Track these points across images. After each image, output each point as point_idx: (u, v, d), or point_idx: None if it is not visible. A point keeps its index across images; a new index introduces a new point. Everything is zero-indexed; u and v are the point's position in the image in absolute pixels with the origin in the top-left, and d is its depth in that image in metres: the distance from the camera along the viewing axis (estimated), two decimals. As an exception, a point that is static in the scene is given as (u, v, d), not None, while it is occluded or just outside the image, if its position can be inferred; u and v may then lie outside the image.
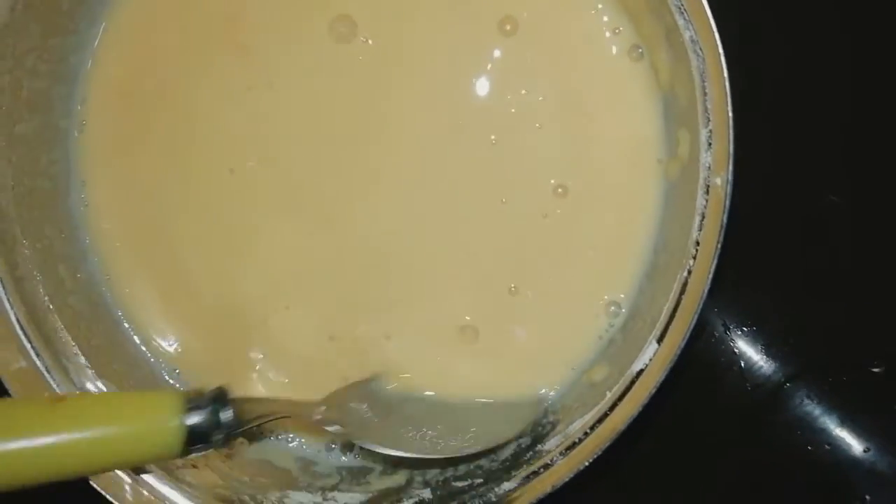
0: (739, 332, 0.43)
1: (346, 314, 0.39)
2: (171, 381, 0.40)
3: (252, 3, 0.39)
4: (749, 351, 0.42)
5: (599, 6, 0.37)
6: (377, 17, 0.38)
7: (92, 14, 0.39)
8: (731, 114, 0.31)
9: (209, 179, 0.39)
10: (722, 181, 0.32)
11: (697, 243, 0.33)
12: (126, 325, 0.40)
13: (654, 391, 0.33)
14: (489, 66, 0.38)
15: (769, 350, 0.42)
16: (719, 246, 0.32)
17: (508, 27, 0.38)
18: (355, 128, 0.38)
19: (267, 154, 0.39)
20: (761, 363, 0.42)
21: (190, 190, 0.39)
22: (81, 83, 0.40)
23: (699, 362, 0.42)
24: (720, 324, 0.43)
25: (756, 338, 0.43)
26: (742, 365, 0.42)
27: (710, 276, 0.32)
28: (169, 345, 0.40)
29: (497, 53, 0.38)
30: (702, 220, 0.33)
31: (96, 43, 0.40)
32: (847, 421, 0.41)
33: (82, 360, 0.37)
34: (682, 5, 0.31)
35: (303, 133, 0.38)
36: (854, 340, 0.42)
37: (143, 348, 0.40)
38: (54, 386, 0.35)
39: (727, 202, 0.31)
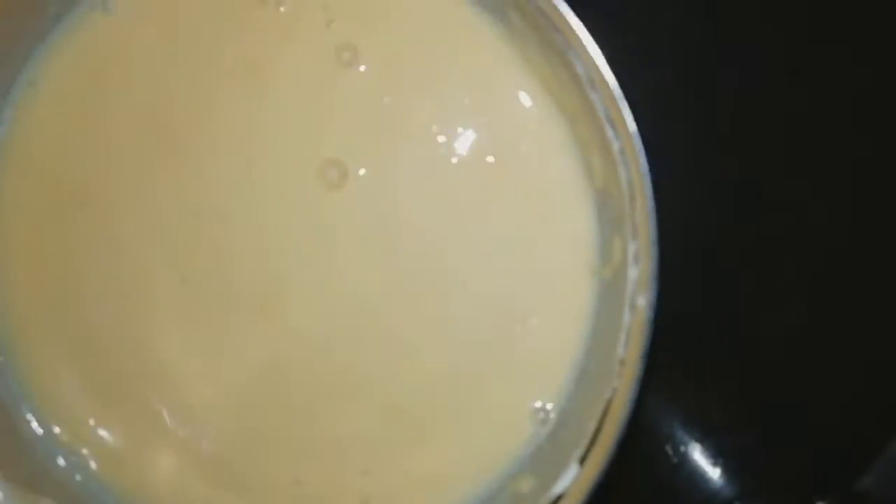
0: (687, 443, 0.41)
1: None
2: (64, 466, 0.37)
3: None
4: (699, 462, 0.40)
5: (530, 104, 0.36)
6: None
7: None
8: (655, 234, 0.29)
9: (135, 261, 0.37)
10: (644, 302, 0.30)
11: (622, 363, 0.31)
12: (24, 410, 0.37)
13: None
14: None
15: (717, 462, 0.40)
16: (641, 371, 0.30)
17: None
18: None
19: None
20: (711, 476, 0.40)
21: (111, 271, 0.37)
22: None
23: (643, 471, 0.40)
24: (666, 432, 0.40)
25: (705, 449, 0.40)
26: (689, 478, 0.40)
27: (632, 401, 0.30)
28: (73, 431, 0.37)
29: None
30: (627, 338, 0.31)
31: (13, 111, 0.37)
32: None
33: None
34: (610, 116, 0.30)
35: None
36: (803, 468, 0.40)
37: (40, 432, 0.37)
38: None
39: (649, 327, 0.29)
